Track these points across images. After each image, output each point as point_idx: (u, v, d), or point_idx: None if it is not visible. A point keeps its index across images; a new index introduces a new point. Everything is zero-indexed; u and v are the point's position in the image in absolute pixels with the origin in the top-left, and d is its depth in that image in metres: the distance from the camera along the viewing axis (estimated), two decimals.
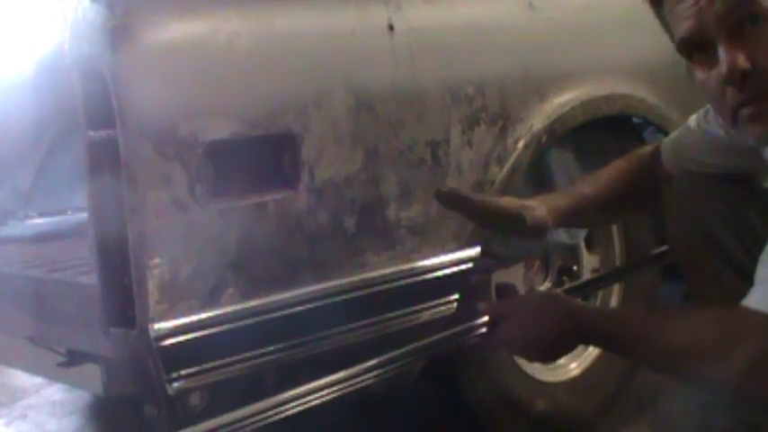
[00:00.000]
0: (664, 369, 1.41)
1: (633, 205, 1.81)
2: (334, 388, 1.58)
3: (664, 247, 2.13)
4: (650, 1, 1.34)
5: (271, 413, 1.51)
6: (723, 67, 1.23)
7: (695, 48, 1.28)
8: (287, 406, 1.52)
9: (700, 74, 1.29)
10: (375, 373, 1.62)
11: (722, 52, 1.23)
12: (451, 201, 1.66)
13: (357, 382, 1.60)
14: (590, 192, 1.74)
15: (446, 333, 1.70)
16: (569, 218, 1.75)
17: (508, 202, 1.69)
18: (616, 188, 1.74)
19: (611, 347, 1.48)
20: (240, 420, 1.48)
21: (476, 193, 1.73)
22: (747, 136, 1.33)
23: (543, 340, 1.48)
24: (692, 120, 1.67)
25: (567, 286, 2.22)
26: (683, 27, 1.27)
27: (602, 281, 2.30)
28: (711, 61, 1.25)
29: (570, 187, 1.82)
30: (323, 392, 1.56)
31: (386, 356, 1.64)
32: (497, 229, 1.79)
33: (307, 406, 1.54)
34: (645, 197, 1.75)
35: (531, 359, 1.80)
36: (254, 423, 1.49)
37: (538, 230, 1.70)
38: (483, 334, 1.64)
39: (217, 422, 1.47)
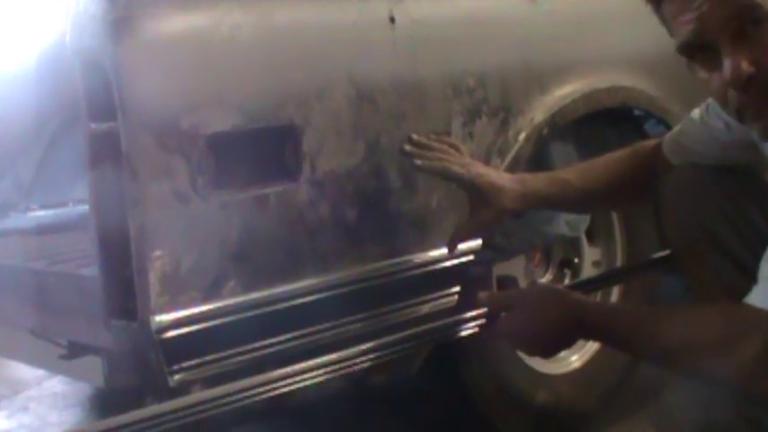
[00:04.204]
0: (665, 365, 1.41)
1: (626, 197, 1.80)
2: (330, 368, 1.56)
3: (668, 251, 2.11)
4: (649, 1, 1.33)
5: (265, 389, 1.50)
6: (727, 72, 1.21)
7: (697, 50, 1.27)
8: (283, 382, 1.51)
9: (702, 73, 1.28)
10: (372, 356, 1.61)
11: (725, 57, 1.22)
12: (406, 154, 1.67)
13: (353, 365, 1.59)
14: (577, 181, 1.73)
15: (446, 321, 1.70)
16: (546, 203, 1.76)
17: (486, 180, 1.68)
18: (606, 179, 1.73)
19: (613, 343, 1.48)
20: (238, 393, 1.47)
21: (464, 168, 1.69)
22: (751, 131, 1.33)
23: (543, 334, 1.48)
24: (696, 112, 1.66)
25: (567, 284, 2.23)
26: (685, 31, 1.25)
27: (604, 280, 2.30)
28: (714, 62, 1.24)
29: (558, 172, 1.81)
30: (319, 372, 1.55)
31: (382, 341, 1.63)
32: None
33: (303, 384, 1.53)
34: (639, 189, 1.74)
35: (531, 353, 1.81)
36: (248, 398, 1.48)
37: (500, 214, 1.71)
38: (483, 325, 1.64)
39: (216, 392, 1.46)
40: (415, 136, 1.69)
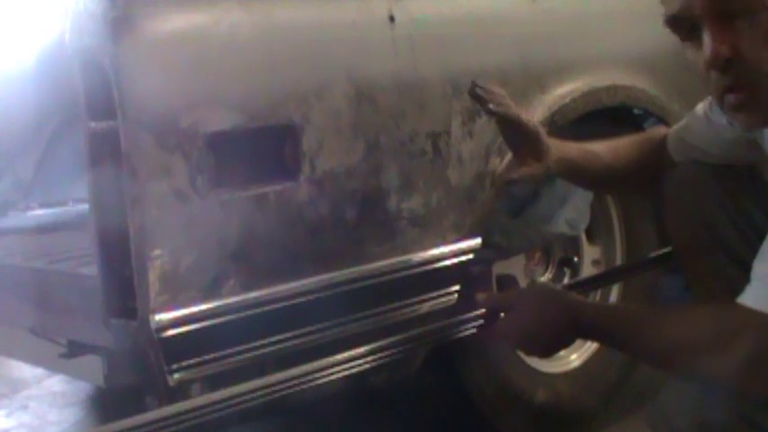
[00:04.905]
0: (661, 366, 1.42)
1: (635, 184, 1.81)
2: (330, 370, 1.56)
3: (668, 249, 2.11)
4: None
5: (265, 392, 1.49)
6: (707, 52, 1.23)
7: (685, 27, 1.28)
8: (283, 386, 1.51)
9: (690, 53, 1.29)
10: (372, 358, 1.60)
11: (707, 37, 1.23)
12: (478, 97, 1.61)
13: (353, 365, 1.59)
14: (606, 156, 1.73)
15: (444, 323, 1.70)
16: (574, 174, 1.76)
17: (530, 124, 1.66)
18: (627, 161, 1.74)
19: (610, 343, 1.48)
20: (238, 396, 1.47)
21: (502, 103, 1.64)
22: (733, 121, 1.34)
23: (541, 335, 1.48)
24: (700, 107, 1.67)
25: (567, 282, 2.22)
26: (672, 4, 1.27)
27: (604, 279, 2.30)
28: (700, 42, 1.25)
29: (588, 144, 1.79)
30: (319, 374, 1.55)
31: (382, 343, 1.63)
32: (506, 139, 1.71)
33: (305, 386, 1.53)
34: (648, 179, 1.75)
35: (529, 353, 1.82)
36: (251, 400, 1.48)
37: (533, 178, 1.70)
38: (481, 326, 1.65)
39: (216, 396, 1.45)
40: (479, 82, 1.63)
